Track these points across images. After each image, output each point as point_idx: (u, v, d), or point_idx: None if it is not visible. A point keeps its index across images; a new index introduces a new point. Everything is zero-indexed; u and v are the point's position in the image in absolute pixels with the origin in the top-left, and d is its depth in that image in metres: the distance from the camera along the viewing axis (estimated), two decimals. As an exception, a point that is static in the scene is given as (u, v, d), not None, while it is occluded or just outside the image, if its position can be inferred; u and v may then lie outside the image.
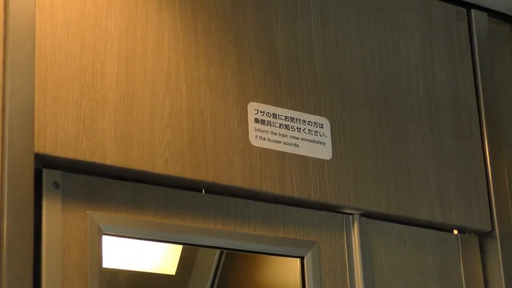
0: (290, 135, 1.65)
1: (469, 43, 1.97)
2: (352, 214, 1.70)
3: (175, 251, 1.70)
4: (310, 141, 1.66)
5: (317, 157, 1.66)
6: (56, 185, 1.40)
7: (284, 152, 1.63)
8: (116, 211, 1.45)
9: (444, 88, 1.89)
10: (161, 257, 1.69)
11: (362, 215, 1.70)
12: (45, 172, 1.40)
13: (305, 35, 1.72)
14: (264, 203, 1.61)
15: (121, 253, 1.56)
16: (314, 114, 1.69)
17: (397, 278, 1.73)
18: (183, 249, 1.68)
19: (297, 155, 1.64)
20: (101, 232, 1.42)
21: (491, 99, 1.95)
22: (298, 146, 1.65)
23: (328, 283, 1.62)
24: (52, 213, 1.39)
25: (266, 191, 1.59)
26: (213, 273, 1.68)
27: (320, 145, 1.68)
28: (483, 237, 1.87)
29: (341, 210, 1.69)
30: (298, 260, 1.62)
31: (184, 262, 1.70)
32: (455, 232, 1.85)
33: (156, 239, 1.50)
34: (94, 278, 1.39)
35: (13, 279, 1.30)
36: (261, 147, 1.60)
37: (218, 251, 1.66)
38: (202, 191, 1.55)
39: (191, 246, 1.63)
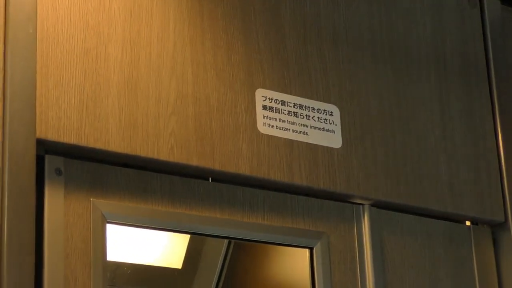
0: (299, 123, 1.60)
1: (482, 31, 1.93)
2: (362, 204, 1.66)
3: (181, 244, 1.66)
4: (320, 129, 1.62)
5: (327, 145, 1.62)
6: (58, 172, 1.36)
7: (293, 140, 1.59)
8: (120, 199, 1.41)
9: (455, 76, 1.85)
10: (167, 250, 1.65)
11: (372, 205, 1.66)
12: (47, 158, 1.36)
13: (314, 20, 1.68)
14: (272, 192, 1.56)
15: (126, 245, 1.53)
16: (324, 102, 1.65)
17: (408, 270, 1.69)
18: (189, 242, 1.64)
19: (306, 143, 1.60)
20: (105, 220, 1.38)
21: (504, 85, 1.91)
22: (307, 134, 1.61)
23: (337, 275, 1.58)
24: (54, 201, 1.35)
25: (274, 180, 1.55)
26: (220, 266, 1.64)
27: (329, 133, 1.63)
28: (496, 228, 1.83)
29: (351, 200, 1.65)
30: (307, 251, 1.58)
31: (191, 255, 1.66)
32: (468, 223, 1.81)
33: (161, 228, 1.46)
34: (97, 267, 1.36)
35: (14, 268, 1.26)
36: (269, 135, 1.56)
37: (225, 243, 1.62)
38: (208, 179, 1.51)
39: (197, 238, 1.59)
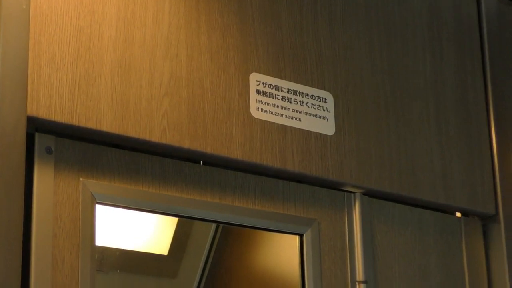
0: (292, 109, 1.59)
1: (478, 22, 1.92)
2: (354, 192, 1.65)
3: (168, 229, 1.64)
4: (313, 115, 1.61)
5: (320, 132, 1.61)
6: (48, 150, 1.35)
7: (286, 125, 1.57)
8: (110, 179, 1.39)
9: (451, 69, 1.84)
10: (154, 236, 1.64)
11: (364, 193, 1.65)
12: (37, 136, 1.34)
13: (310, 6, 1.67)
14: (263, 177, 1.55)
15: (114, 230, 1.51)
16: (318, 88, 1.64)
17: (398, 259, 1.68)
18: (176, 227, 1.62)
19: (299, 129, 1.59)
20: (95, 201, 1.36)
21: (499, 80, 1.90)
22: (300, 120, 1.60)
23: (327, 262, 1.57)
24: (44, 179, 1.33)
25: (266, 165, 1.54)
26: (207, 252, 1.62)
27: (323, 120, 1.62)
28: (486, 220, 1.82)
29: (343, 188, 1.64)
30: (296, 238, 1.57)
31: (177, 241, 1.64)
32: (458, 214, 1.80)
33: (151, 210, 1.44)
34: (86, 248, 1.34)
35: (2, 245, 1.24)
36: (262, 120, 1.55)
37: (213, 228, 1.60)
38: (200, 163, 1.50)
39: (185, 223, 1.58)
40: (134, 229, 1.55)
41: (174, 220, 1.57)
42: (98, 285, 1.37)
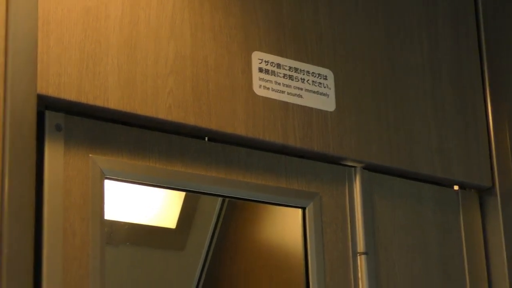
0: (294, 86, 1.63)
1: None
2: (354, 167, 1.69)
3: (176, 203, 1.69)
4: (314, 92, 1.65)
5: (321, 108, 1.65)
6: (58, 128, 1.39)
7: (288, 102, 1.62)
8: (118, 155, 1.44)
9: (446, 43, 1.88)
10: (162, 210, 1.68)
11: (364, 168, 1.70)
12: (47, 114, 1.39)
13: (311, -14, 1.71)
14: (267, 152, 1.60)
15: (122, 204, 1.55)
16: (318, 66, 1.68)
17: (397, 231, 1.73)
18: (183, 201, 1.67)
19: (301, 106, 1.63)
20: (103, 176, 1.41)
21: (495, 55, 1.94)
22: (301, 97, 1.64)
23: (329, 234, 1.62)
24: (54, 156, 1.38)
25: (269, 141, 1.58)
26: (214, 226, 1.67)
27: (323, 96, 1.67)
28: (483, 193, 1.87)
29: (344, 163, 1.69)
30: (299, 212, 1.62)
31: (185, 215, 1.69)
32: (456, 187, 1.85)
33: (158, 185, 1.49)
34: (95, 221, 1.39)
35: (15, 220, 1.29)
36: (264, 97, 1.59)
37: (219, 203, 1.65)
38: (205, 139, 1.54)
39: (191, 198, 1.62)
40: (142, 204, 1.59)
41: (181, 194, 1.61)
42: (108, 257, 1.41)
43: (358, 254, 1.64)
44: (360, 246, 1.65)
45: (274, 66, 1.62)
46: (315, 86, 1.66)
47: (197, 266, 1.67)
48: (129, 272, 1.63)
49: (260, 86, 1.59)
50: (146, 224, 1.67)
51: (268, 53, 1.62)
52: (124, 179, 1.44)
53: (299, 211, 1.62)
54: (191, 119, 1.50)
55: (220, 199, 1.62)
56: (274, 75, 1.62)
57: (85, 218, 1.38)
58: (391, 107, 1.75)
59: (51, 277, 1.33)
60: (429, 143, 1.79)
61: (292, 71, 1.64)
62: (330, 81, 1.68)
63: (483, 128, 1.87)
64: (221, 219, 1.66)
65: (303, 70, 1.65)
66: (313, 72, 1.66)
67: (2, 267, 1.28)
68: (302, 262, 1.59)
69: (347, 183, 1.68)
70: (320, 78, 1.67)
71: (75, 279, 1.35)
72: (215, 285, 1.68)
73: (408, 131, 1.76)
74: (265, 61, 1.61)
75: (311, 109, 1.64)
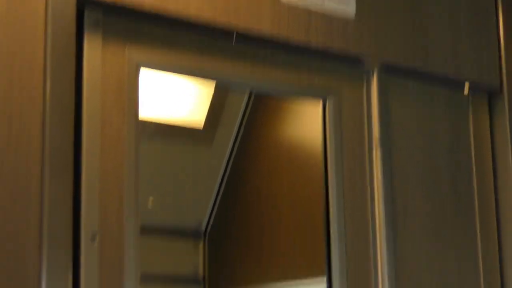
0: (316, -11, 1.71)
1: None
2: (371, 68, 1.78)
3: (203, 104, 1.78)
4: (335, -5, 1.73)
5: (342, 11, 1.73)
6: (97, 23, 1.47)
7: (310, 5, 1.69)
8: (153, 48, 1.52)
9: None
10: (191, 110, 1.77)
11: (381, 68, 1.78)
12: (86, 10, 1.46)
13: None
14: (291, 52, 1.68)
15: (155, 101, 1.63)
16: (339, -29, 1.75)
17: (410, 130, 1.82)
18: (211, 102, 1.75)
19: (323, 8, 1.71)
20: (139, 66, 1.49)
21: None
22: (324, 1, 1.71)
23: (348, 127, 1.72)
24: (94, 48, 1.46)
25: (293, 42, 1.66)
26: (239, 124, 1.76)
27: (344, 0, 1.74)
28: (492, 96, 1.96)
29: (362, 63, 1.77)
30: (320, 109, 1.71)
31: (212, 114, 1.78)
32: (466, 90, 1.92)
33: (190, 74, 1.57)
34: (131, 111, 1.48)
35: (55, 113, 1.38)
36: (289, 2, 1.66)
37: (244, 102, 1.74)
38: (233, 39, 1.62)
39: (219, 96, 1.71)
40: (173, 101, 1.68)
41: (210, 94, 1.70)
42: (141, 152, 1.50)
43: (374, 146, 1.74)
44: (376, 140, 1.74)
45: (297, -29, 1.69)
46: (336, -10, 1.73)
47: (222, 161, 1.77)
48: (160, 166, 1.73)
49: (284, -11, 1.66)
50: (176, 124, 1.76)
51: (292, -42, 1.68)
52: (158, 68, 1.53)
53: (320, 110, 1.71)
54: (221, 18, 1.57)
55: (245, 98, 1.71)
56: (297, -21, 1.68)
57: (120, 109, 1.47)
58: (408, 12, 1.83)
59: (90, 163, 1.43)
60: (443, 44, 1.87)
61: (314, -24, 1.71)
62: (351, -15, 1.75)
63: (493, 31, 1.96)
64: (246, 117, 1.75)
65: (325, -25, 1.72)
66: (334, -23, 1.73)
67: (44, 155, 1.37)
68: (321, 156, 1.69)
69: (365, 83, 1.77)
70: (341, -17, 1.74)
71: (112, 166, 1.45)
72: (239, 179, 1.78)
73: (425, 33, 1.85)
74: (289, -34, 1.68)
75: (332, 11, 1.72)
